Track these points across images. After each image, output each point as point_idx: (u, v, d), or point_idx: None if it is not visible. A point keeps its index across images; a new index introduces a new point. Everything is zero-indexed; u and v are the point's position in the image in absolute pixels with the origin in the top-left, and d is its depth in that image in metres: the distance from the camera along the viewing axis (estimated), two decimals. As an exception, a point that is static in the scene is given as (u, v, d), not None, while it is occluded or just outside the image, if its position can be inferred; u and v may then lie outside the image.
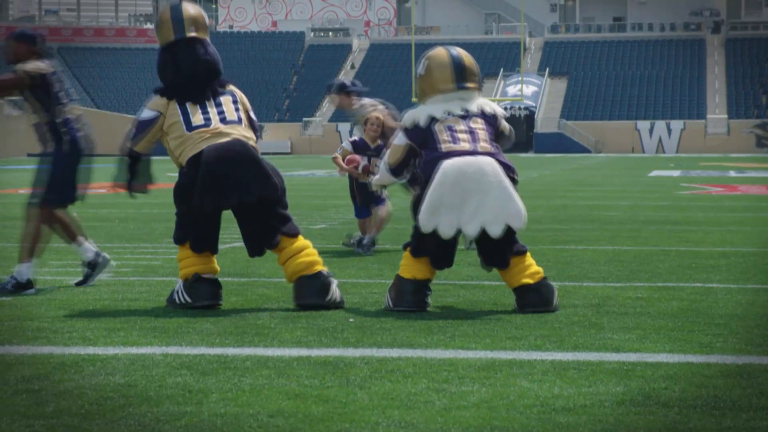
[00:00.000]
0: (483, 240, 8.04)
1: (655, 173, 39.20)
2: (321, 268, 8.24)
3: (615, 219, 17.48)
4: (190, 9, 8.58)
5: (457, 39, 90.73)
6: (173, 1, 8.82)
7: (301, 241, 8.30)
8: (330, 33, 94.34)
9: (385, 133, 11.99)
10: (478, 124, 8.21)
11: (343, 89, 12.73)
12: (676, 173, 38.99)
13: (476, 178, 7.91)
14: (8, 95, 9.56)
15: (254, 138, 8.45)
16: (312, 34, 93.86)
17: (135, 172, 8.58)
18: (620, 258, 11.63)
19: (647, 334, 7.07)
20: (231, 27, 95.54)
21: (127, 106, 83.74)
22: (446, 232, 7.89)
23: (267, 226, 8.23)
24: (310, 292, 8.12)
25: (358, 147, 11.96)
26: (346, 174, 12.08)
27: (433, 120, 8.17)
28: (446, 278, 9.80)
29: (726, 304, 8.32)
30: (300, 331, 7.21)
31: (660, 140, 78.28)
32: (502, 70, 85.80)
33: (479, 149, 8.06)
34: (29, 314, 7.80)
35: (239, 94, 8.59)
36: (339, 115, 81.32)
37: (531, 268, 8.05)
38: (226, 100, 8.46)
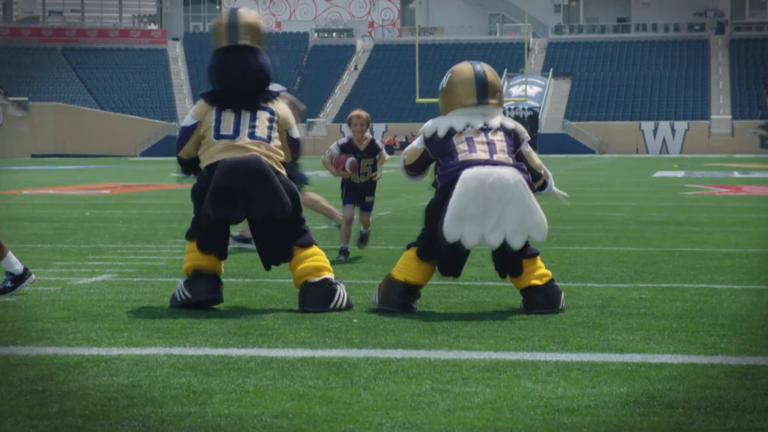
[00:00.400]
0: (498, 250, 8.04)
1: (659, 174, 39.20)
2: (328, 273, 8.23)
3: (619, 220, 17.47)
4: (247, 16, 8.54)
5: (461, 40, 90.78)
6: (231, 8, 8.77)
7: (313, 249, 8.31)
8: (334, 34, 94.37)
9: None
10: (498, 137, 8.21)
11: None
12: (680, 174, 38.98)
13: (497, 188, 7.91)
14: None
15: (279, 156, 8.37)
16: (316, 34, 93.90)
17: (191, 174, 8.64)
18: (624, 259, 11.63)
19: (651, 334, 7.07)
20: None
21: (131, 107, 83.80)
22: (470, 241, 7.89)
23: (280, 242, 8.28)
24: (314, 300, 8.11)
25: (347, 149, 11.69)
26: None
27: (452, 131, 8.19)
28: (450, 279, 9.79)
29: (730, 305, 8.31)
30: (304, 331, 7.21)
31: (664, 141, 78.27)
32: (505, 70, 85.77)
33: (495, 159, 8.06)
34: (33, 315, 7.81)
35: (282, 112, 8.50)
36: (343, 116, 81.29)
37: (539, 270, 8.06)
38: (262, 115, 8.40)
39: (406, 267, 8.06)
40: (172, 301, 8.28)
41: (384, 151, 11.91)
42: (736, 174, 38.73)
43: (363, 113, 11.72)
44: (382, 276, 10.15)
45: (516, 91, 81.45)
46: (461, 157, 8.07)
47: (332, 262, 11.20)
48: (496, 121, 8.27)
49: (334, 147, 11.75)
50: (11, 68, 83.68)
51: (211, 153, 8.29)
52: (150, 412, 5.07)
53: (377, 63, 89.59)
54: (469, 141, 8.14)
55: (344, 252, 11.73)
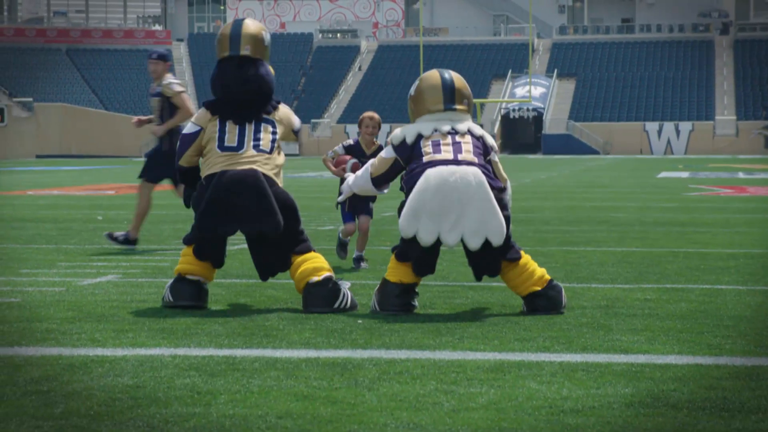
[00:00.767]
0: (470, 250, 8.01)
1: (663, 175, 39.18)
2: (328, 273, 8.23)
3: (623, 220, 17.47)
4: (250, 27, 8.57)
5: (465, 40, 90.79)
6: (240, 19, 8.83)
7: (310, 254, 8.31)
8: (338, 34, 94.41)
9: (173, 105, 12.69)
10: (465, 139, 8.22)
11: (167, 59, 13.18)
12: (684, 175, 38.96)
13: (458, 186, 7.90)
14: None
15: (278, 169, 8.39)
16: (320, 35, 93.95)
17: (189, 183, 8.63)
18: (629, 259, 11.62)
19: (656, 335, 7.07)
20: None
21: (135, 107, 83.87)
22: (426, 238, 7.89)
23: (278, 253, 8.28)
24: (318, 300, 8.11)
25: (353, 152, 11.02)
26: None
27: (420, 137, 8.21)
28: (454, 279, 9.80)
29: (735, 306, 8.31)
30: (308, 332, 7.21)
31: (668, 142, 78.26)
32: (510, 71, 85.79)
33: (460, 158, 8.07)
34: (38, 316, 7.81)
35: (283, 123, 8.53)
36: (347, 117, 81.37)
37: (536, 274, 8.03)
38: (266, 128, 8.43)
39: (394, 270, 8.08)
40: (162, 300, 8.36)
41: None
42: (740, 175, 38.70)
43: (376, 115, 11.14)
44: (386, 277, 10.15)
45: (520, 91, 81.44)
46: (426, 158, 8.10)
47: (350, 259, 11.20)
48: (464, 125, 8.28)
49: (338, 147, 11.22)
50: (16, 69, 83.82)
51: (212, 164, 8.31)
52: (154, 412, 5.07)
53: (381, 64, 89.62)
54: (435, 144, 8.16)
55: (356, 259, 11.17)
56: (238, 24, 8.58)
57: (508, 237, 7.99)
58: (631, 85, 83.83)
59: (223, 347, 6.69)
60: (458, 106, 8.34)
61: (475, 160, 8.11)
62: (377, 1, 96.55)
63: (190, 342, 6.85)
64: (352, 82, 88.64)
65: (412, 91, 8.52)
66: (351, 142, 11.07)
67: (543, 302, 7.98)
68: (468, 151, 8.13)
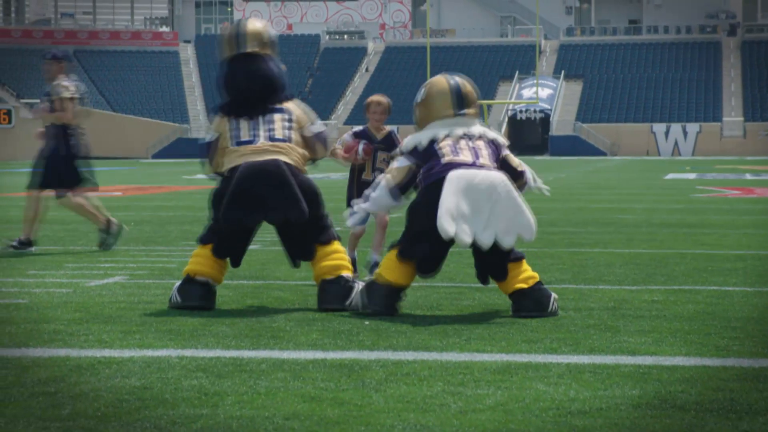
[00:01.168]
0: (480, 253, 8.01)
1: (670, 176, 39.15)
2: (344, 272, 8.31)
3: (631, 222, 17.46)
4: (253, 25, 8.64)
5: (473, 42, 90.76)
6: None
7: (333, 245, 8.41)
8: (345, 36, 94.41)
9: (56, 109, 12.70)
10: (480, 143, 8.25)
11: (68, 59, 13.22)
12: (691, 176, 38.93)
13: (484, 188, 7.92)
14: None
15: (299, 156, 8.44)
16: (327, 37, 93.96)
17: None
18: (636, 261, 11.61)
19: (663, 337, 7.06)
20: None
21: (143, 108, 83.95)
22: (465, 239, 7.87)
23: (303, 241, 8.40)
24: (331, 297, 8.22)
25: (361, 137, 10.06)
26: (350, 164, 10.24)
27: (434, 140, 8.21)
28: (461, 281, 9.80)
29: (742, 307, 8.30)
30: (315, 333, 7.21)
31: (676, 143, 78.16)
32: (517, 72, 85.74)
33: (480, 163, 8.08)
34: (45, 317, 7.82)
35: (297, 111, 8.61)
36: (354, 118, 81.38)
37: (524, 274, 8.02)
38: (278, 117, 8.50)
39: (389, 268, 8.07)
40: (169, 301, 8.38)
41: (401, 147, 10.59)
42: (748, 176, 38.66)
43: (384, 99, 10.09)
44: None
45: (527, 93, 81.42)
46: (446, 159, 8.09)
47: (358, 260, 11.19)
48: (476, 129, 8.33)
49: (347, 136, 10.19)
50: (23, 70, 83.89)
51: (232, 158, 8.40)
52: (162, 413, 5.07)
53: (389, 65, 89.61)
54: (453, 145, 8.17)
55: (352, 262, 9.71)
56: (239, 24, 8.65)
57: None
58: (638, 87, 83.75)
59: (230, 348, 6.69)
60: (468, 111, 8.37)
61: (493, 166, 8.15)
62: (384, 2, 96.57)
63: (198, 343, 6.85)
64: (359, 83, 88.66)
65: (419, 97, 8.49)
66: (360, 128, 10.22)
67: (528, 303, 7.95)
68: (485, 156, 8.17)
